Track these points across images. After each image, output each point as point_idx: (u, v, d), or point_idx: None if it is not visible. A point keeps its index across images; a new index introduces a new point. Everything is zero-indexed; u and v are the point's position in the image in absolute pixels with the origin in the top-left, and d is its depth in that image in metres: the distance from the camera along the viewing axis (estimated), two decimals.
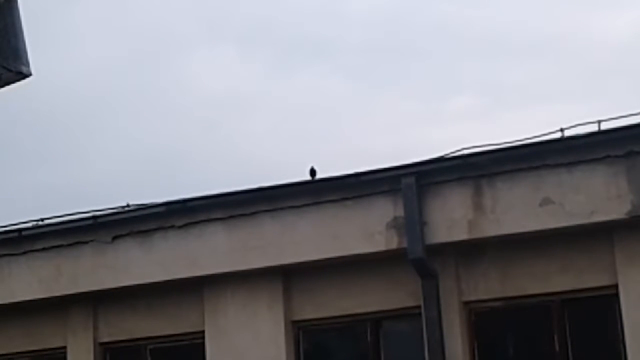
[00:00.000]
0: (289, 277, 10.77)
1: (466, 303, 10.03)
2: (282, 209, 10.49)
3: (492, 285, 9.93)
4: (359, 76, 32.98)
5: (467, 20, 31.39)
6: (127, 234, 11.26)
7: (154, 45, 34.75)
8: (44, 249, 11.70)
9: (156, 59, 34.60)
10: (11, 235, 11.87)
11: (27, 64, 5.83)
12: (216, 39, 35.73)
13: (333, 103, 32.24)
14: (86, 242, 11.47)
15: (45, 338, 12.12)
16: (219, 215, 10.79)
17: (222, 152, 32.78)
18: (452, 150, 9.98)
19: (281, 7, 33.85)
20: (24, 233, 11.81)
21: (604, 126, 9.53)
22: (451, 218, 9.77)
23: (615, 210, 9.18)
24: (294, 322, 10.78)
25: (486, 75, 31.34)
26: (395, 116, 31.40)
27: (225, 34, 35.31)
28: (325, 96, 32.57)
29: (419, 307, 10.03)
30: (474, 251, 9.96)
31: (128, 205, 11.49)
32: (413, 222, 9.79)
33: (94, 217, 11.42)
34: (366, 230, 10.08)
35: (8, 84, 5.87)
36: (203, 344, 11.10)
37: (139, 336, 11.62)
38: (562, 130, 9.70)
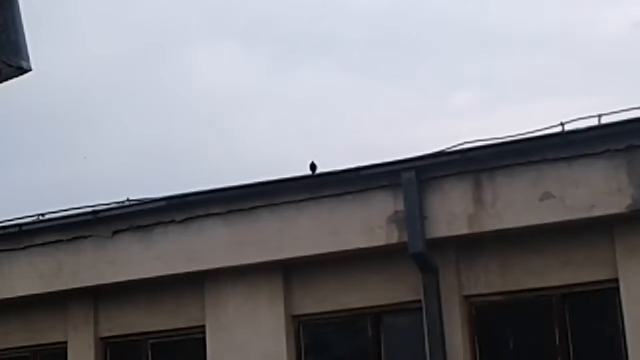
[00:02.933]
0: (290, 272, 10.78)
1: (467, 297, 10.03)
2: (281, 204, 10.49)
3: (492, 279, 9.94)
4: (360, 71, 32.98)
5: (468, 16, 31.38)
6: (127, 229, 11.26)
7: (156, 40, 34.76)
8: (44, 244, 11.70)
9: (158, 53, 34.62)
10: (11, 230, 11.87)
11: (28, 59, 5.82)
12: (218, 34, 35.74)
13: (335, 98, 32.25)
14: (86, 237, 11.47)
15: (45, 333, 12.13)
16: (218, 211, 10.79)
17: (223, 147, 32.80)
18: (453, 145, 9.99)
19: (283, 2, 33.85)
20: (24, 228, 11.81)
21: (604, 120, 9.54)
22: (452, 213, 9.78)
23: (615, 204, 9.18)
24: (295, 317, 10.79)
25: (487, 70, 31.34)
26: (397, 111, 31.41)
27: (228, 29, 35.33)
28: (326, 91, 32.58)
29: (419, 301, 10.03)
30: (474, 246, 9.96)
31: (128, 201, 11.50)
32: (413, 217, 9.79)
33: (94, 212, 11.42)
34: (366, 225, 10.08)
35: (8, 79, 5.86)
36: (204, 338, 11.11)
37: (139, 331, 11.63)
38: (562, 124, 9.72)
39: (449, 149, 9.98)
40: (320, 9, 34.19)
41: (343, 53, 33.71)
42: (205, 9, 34.70)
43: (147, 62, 34.94)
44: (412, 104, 31.90)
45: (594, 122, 9.56)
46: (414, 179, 9.82)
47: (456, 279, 10.02)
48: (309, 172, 10.62)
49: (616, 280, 9.43)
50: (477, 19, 31.38)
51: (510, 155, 9.58)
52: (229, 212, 10.74)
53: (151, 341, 11.60)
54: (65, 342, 11.98)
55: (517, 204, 9.53)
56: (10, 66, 5.72)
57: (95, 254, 11.43)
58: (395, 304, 10.34)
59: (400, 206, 9.91)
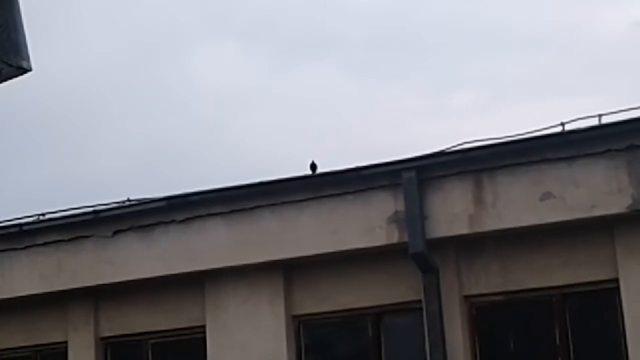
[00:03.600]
0: (290, 271, 10.78)
1: (467, 297, 10.03)
2: (282, 203, 10.49)
3: (492, 279, 9.93)
4: (361, 71, 33.00)
5: (469, 15, 31.41)
6: (128, 229, 11.26)
7: (157, 40, 34.77)
8: (44, 244, 11.70)
9: (159, 53, 34.63)
10: (12, 230, 11.87)
11: (28, 59, 5.82)
12: (219, 34, 35.75)
13: (335, 98, 32.28)
14: (87, 237, 11.47)
15: (46, 333, 12.13)
16: (219, 210, 10.79)
17: (224, 146, 32.82)
18: (453, 145, 9.99)
19: (284, 2, 33.86)
20: (24, 228, 11.81)
21: (605, 120, 9.54)
22: (452, 212, 9.77)
23: (615, 204, 9.17)
24: (295, 317, 10.78)
25: (488, 70, 31.35)
26: (397, 111, 31.43)
27: (228, 29, 35.35)
28: (327, 91, 32.60)
29: (419, 301, 10.03)
30: (474, 245, 9.96)
31: (129, 200, 11.49)
32: (414, 217, 9.79)
33: (94, 212, 11.42)
34: (367, 224, 10.08)
35: (8, 78, 5.86)
36: (204, 338, 11.11)
37: (140, 331, 11.63)
38: (562, 124, 9.72)
39: (449, 148, 9.98)
40: (320, 8, 34.23)
41: (344, 53, 33.76)
42: (206, 9, 34.73)
43: (148, 62, 34.96)
44: (413, 103, 31.94)
45: (594, 122, 9.57)
46: (414, 178, 9.81)
47: (456, 278, 10.02)
48: (310, 172, 10.63)
49: (616, 280, 9.43)
50: (477, 19, 31.40)
51: (511, 155, 9.58)
52: (230, 211, 10.73)
53: (151, 341, 11.60)
54: (66, 342, 11.98)
55: (517, 204, 9.53)
56: (11, 66, 5.73)
57: (95, 253, 11.43)
58: (395, 304, 10.34)
59: (401, 206, 9.91)
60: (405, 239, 9.85)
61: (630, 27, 30.32)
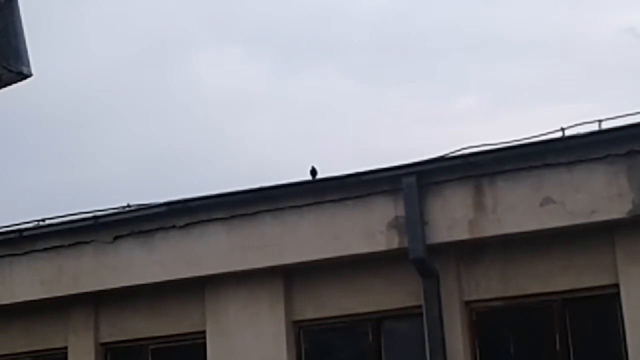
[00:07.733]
0: (290, 277, 10.78)
1: (467, 302, 10.03)
2: (283, 209, 10.49)
3: (493, 284, 9.93)
4: (364, 76, 32.97)
5: (471, 20, 31.41)
6: (128, 234, 11.26)
7: (159, 45, 34.74)
8: (45, 249, 11.70)
9: (161, 59, 34.61)
10: (12, 235, 11.86)
11: (28, 64, 5.84)
12: (222, 39, 35.75)
13: (338, 103, 32.25)
14: (87, 242, 11.47)
15: (46, 338, 12.12)
16: (220, 215, 10.79)
17: (226, 151, 32.80)
18: (453, 150, 10.00)
19: (288, 6, 33.89)
20: (25, 233, 11.80)
21: (605, 125, 9.55)
22: (452, 218, 9.78)
23: (616, 209, 9.18)
24: (295, 322, 10.78)
25: (489, 75, 31.35)
26: (399, 116, 31.45)
27: (232, 34, 35.32)
28: (330, 96, 32.57)
29: (420, 306, 10.03)
30: (475, 251, 9.96)
31: (129, 205, 11.50)
32: (414, 222, 9.79)
33: (95, 217, 11.42)
34: (367, 230, 10.08)
35: (9, 84, 5.87)
36: (204, 344, 11.11)
37: (140, 336, 11.62)
38: (562, 129, 9.73)
39: (449, 153, 9.99)
40: (323, 14, 34.25)
41: (346, 58, 33.74)
42: (209, 14, 34.74)
43: (149, 67, 34.94)
44: (415, 108, 31.92)
45: (594, 127, 9.58)
46: (414, 183, 9.82)
47: (456, 284, 10.01)
48: (310, 177, 10.63)
49: (616, 285, 9.43)
50: (478, 25, 31.42)
51: (511, 160, 9.59)
52: (230, 217, 10.74)
53: (151, 346, 11.59)
54: (66, 347, 11.97)
55: (517, 209, 9.53)
56: (11, 71, 5.75)
57: (96, 259, 11.42)
58: (395, 309, 10.34)
59: (401, 211, 9.91)
60: (406, 244, 9.85)
61: (620, 32, 30.42)
